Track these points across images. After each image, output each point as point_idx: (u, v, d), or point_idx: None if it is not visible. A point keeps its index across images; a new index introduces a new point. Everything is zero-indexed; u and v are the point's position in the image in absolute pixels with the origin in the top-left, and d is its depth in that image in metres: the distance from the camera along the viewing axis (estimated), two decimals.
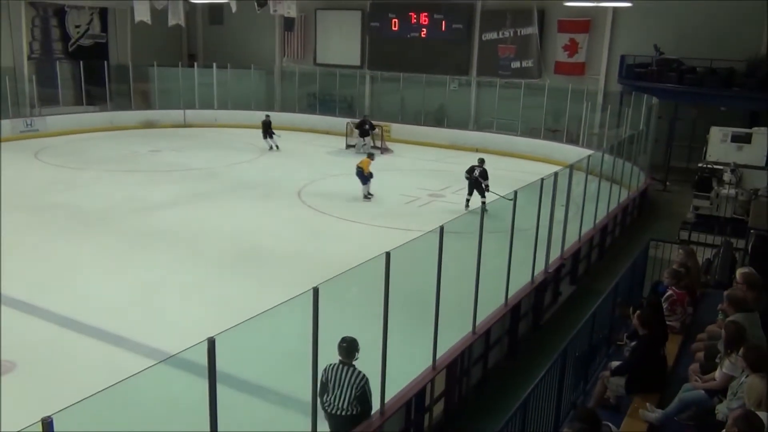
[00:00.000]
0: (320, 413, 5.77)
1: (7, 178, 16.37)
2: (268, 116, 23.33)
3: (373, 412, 6.24)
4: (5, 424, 5.75)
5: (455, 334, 7.92)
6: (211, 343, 4.17)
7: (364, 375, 5.82)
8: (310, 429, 5.54)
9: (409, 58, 26.40)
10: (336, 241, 12.95)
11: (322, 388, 5.80)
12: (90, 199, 15.46)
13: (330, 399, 5.83)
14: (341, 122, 24.83)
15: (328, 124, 26.34)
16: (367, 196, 16.29)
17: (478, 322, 8.08)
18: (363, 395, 5.85)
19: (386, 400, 6.40)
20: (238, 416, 5.86)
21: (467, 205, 15.27)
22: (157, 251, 12.06)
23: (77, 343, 8.40)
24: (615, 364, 6.61)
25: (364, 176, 16.24)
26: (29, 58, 25.96)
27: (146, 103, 28.23)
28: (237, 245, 12.51)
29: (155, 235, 12.95)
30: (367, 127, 22.81)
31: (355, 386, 5.78)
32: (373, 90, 28.35)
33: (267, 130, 22.68)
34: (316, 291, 5.27)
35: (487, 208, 12.16)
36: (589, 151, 16.47)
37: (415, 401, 6.85)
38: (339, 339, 5.97)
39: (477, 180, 15.24)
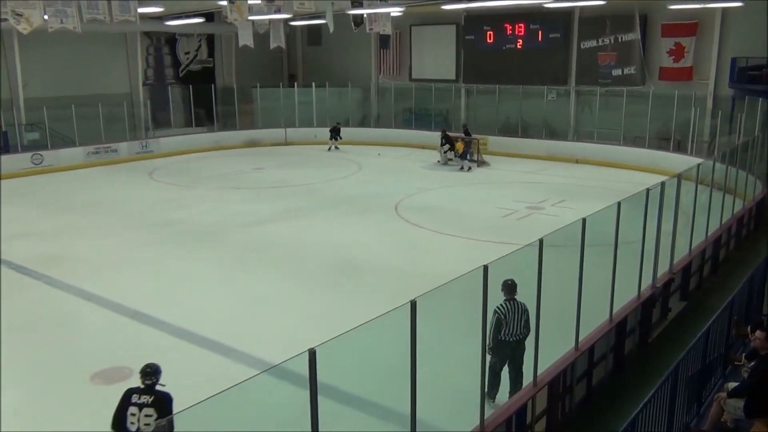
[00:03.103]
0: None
1: (125, 197, 17.56)
2: (338, 123, 26.48)
3: (470, 429, 6.19)
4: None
5: (556, 350, 7.70)
6: (312, 354, 4.26)
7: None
8: None
9: (505, 70, 26.13)
10: (433, 255, 12.95)
11: (498, 325, 6.92)
12: (200, 215, 16.27)
13: (510, 329, 6.98)
14: (437, 136, 24.88)
15: (424, 139, 26.45)
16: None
17: (581, 338, 7.81)
18: (528, 319, 7.08)
19: (486, 417, 6.30)
20: (337, 426, 5.95)
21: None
22: (261, 265, 12.51)
23: (189, 352, 8.83)
24: (732, 385, 6.20)
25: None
26: (144, 84, 27.80)
27: (250, 123, 29.48)
28: (336, 259, 12.76)
29: (259, 250, 13.44)
30: (443, 140, 23.23)
31: (525, 313, 7.07)
32: (468, 103, 28.24)
33: (335, 133, 25.71)
34: (413, 304, 5.28)
35: None
36: (698, 160, 15.62)
37: (516, 419, 6.70)
38: (435, 352, 5.97)
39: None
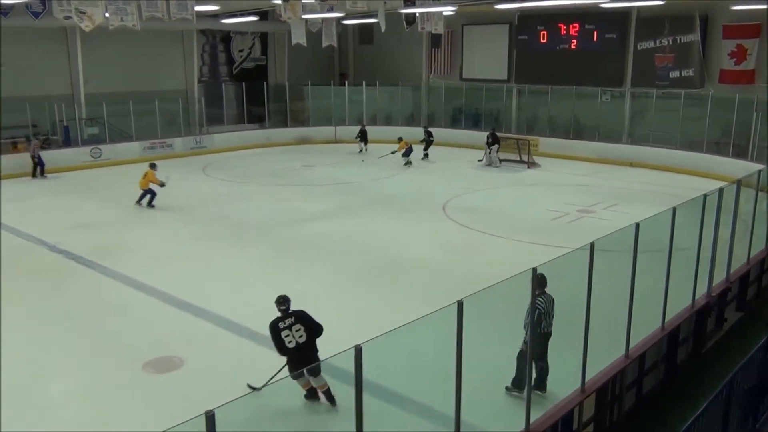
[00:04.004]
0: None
1: (180, 191, 17.98)
2: (364, 125, 26.04)
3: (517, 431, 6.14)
4: (174, 416, 6.25)
5: (605, 357, 7.55)
6: (358, 351, 4.28)
7: None
8: None
9: (558, 71, 25.73)
10: (480, 256, 12.85)
11: (538, 320, 6.83)
12: (250, 211, 16.54)
13: (547, 322, 6.99)
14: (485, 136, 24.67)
15: (474, 139, 26.25)
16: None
17: (631, 346, 7.64)
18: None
19: (531, 421, 6.22)
20: (381, 423, 5.96)
21: None
22: (308, 262, 12.63)
23: (236, 343, 8.98)
24: None
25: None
26: (199, 81, 28.41)
27: (301, 121, 29.82)
28: (382, 257, 12.79)
29: (306, 247, 13.58)
30: (489, 140, 23.02)
31: (553, 303, 7.09)
32: (520, 103, 27.91)
33: (362, 135, 25.33)
34: (460, 305, 5.26)
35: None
36: (758, 166, 15.09)
37: (562, 424, 6.60)
38: (480, 353, 5.93)
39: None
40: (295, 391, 7.19)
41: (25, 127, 22.91)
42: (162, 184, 16.67)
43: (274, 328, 6.94)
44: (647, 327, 8.21)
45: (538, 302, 6.92)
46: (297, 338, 6.91)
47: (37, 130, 23.26)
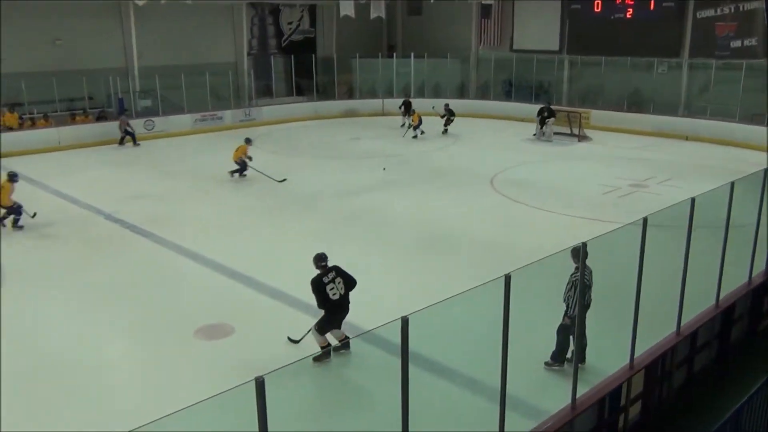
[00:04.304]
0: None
1: (229, 163, 18.24)
2: (408, 96, 25.16)
3: (561, 407, 6.12)
4: (224, 382, 6.44)
5: (655, 333, 7.43)
6: (405, 321, 4.32)
7: None
8: (498, 414, 5.52)
9: (612, 41, 24.95)
10: (527, 230, 12.71)
11: (583, 292, 6.67)
12: (298, 183, 16.69)
13: (589, 294, 6.87)
14: (537, 109, 24.24)
15: (523, 112, 25.80)
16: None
17: (683, 323, 7.49)
18: None
19: (578, 395, 6.19)
20: (426, 394, 6.02)
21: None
22: (355, 234, 12.73)
23: (285, 313, 9.16)
24: None
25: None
26: (248, 54, 28.63)
27: (348, 93, 29.79)
28: (429, 230, 12.79)
29: (353, 219, 13.68)
30: (545, 114, 22.40)
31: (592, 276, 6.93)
32: (571, 75, 27.24)
33: (406, 108, 24.32)
34: (508, 278, 5.23)
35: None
36: None
37: (610, 400, 6.54)
38: (527, 327, 5.91)
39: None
40: (342, 361, 7.30)
41: (81, 99, 23.59)
42: (249, 159, 16.83)
43: (319, 283, 7.40)
44: (700, 304, 8.03)
45: (586, 276, 6.82)
46: (339, 290, 7.45)
47: (93, 103, 23.93)
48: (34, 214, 13.20)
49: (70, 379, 7.50)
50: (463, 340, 7.41)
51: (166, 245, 12.19)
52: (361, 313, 8.63)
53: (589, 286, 6.88)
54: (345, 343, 7.64)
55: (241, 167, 16.93)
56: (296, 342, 7.88)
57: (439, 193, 15.77)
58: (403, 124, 24.61)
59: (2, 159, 19.68)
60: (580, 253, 6.64)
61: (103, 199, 15.08)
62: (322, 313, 7.59)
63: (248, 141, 17.22)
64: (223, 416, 5.70)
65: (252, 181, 17.10)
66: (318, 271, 7.58)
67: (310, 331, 7.62)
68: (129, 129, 22.05)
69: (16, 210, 13.05)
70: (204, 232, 12.94)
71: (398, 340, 4.44)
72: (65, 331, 8.78)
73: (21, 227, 13.10)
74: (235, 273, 10.64)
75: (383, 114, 28.26)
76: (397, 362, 4.54)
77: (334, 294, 7.40)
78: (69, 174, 17.83)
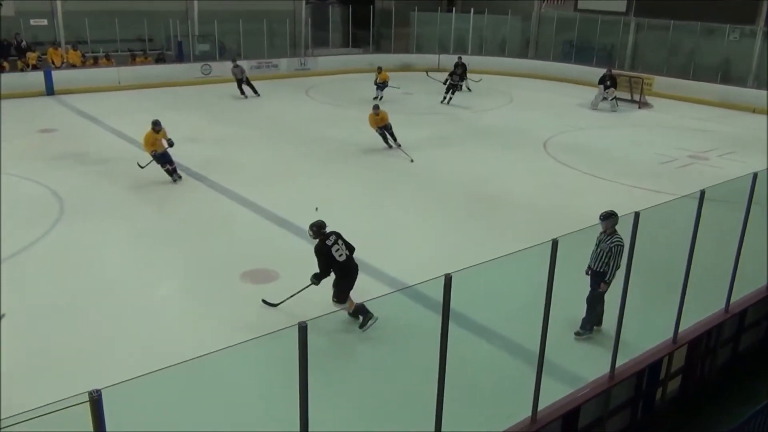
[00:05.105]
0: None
1: (283, 111, 18.41)
2: (461, 57, 23.16)
3: (598, 375, 6.10)
4: (267, 325, 6.63)
5: (703, 309, 7.28)
6: (448, 279, 4.33)
7: None
8: (534, 378, 5.55)
9: (682, 5, 23.81)
10: (578, 196, 12.48)
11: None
12: (349, 135, 16.69)
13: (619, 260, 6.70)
14: (598, 73, 23.49)
15: (584, 74, 25.05)
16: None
17: (732, 301, 7.32)
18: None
19: (617, 365, 6.16)
20: (464, 353, 6.08)
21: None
22: (405, 189, 12.73)
23: None
24: None
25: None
26: (307, 3, 28.43)
27: (405, 47, 29.38)
28: (477, 190, 12.68)
29: (404, 174, 13.66)
30: (608, 82, 21.20)
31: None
32: (637, 39, 26.23)
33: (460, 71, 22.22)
34: (555, 243, 5.18)
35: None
36: None
37: (649, 372, 6.49)
38: (570, 294, 5.85)
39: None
40: (384, 317, 7.37)
41: (142, 41, 23.94)
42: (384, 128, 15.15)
43: (322, 247, 7.25)
44: (752, 283, 7.82)
45: (617, 241, 6.68)
46: (345, 252, 7.29)
47: (153, 45, 24.26)
48: (147, 164, 12.75)
49: (118, 310, 7.81)
50: (505, 302, 7.42)
51: (218, 189, 12.44)
52: (403, 269, 8.72)
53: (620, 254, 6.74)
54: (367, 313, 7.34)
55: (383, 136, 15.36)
56: (274, 305, 7.78)
57: (490, 152, 15.57)
58: (451, 85, 21.69)
59: (64, 95, 20.29)
60: (608, 217, 6.63)
61: None
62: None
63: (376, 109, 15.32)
64: (265, 358, 5.90)
65: (302, 130, 17.20)
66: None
67: (292, 296, 7.54)
68: (241, 78, 21.37)
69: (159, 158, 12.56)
70: (255, 178, 13.13)
71: (440, 296, 4.47)
72: (117, 264, 9.12)
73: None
74: (283, 221, 10.81)
75: (439, 69, 27.82)
76: (437, 319, 4.59)
77: (340, 255, 7.25)
78: (127, 114, 18.24)
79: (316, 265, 7.32)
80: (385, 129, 15.23)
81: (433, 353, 4.72)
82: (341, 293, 7.32)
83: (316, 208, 9.38)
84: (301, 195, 12.22)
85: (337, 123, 18.26)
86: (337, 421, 5.45)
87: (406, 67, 27.89)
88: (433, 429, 4.80)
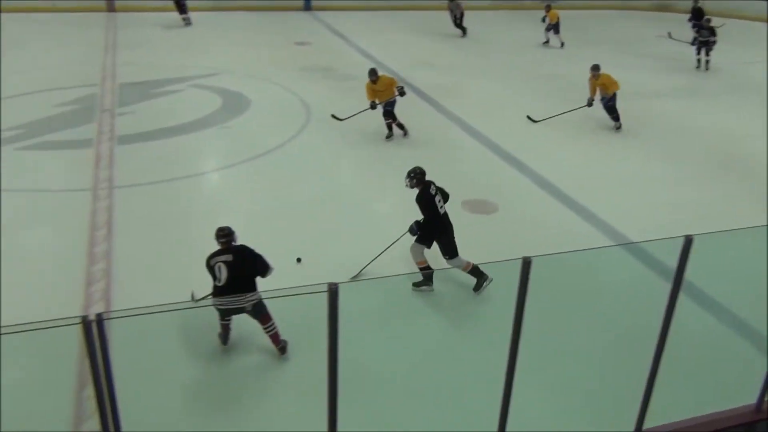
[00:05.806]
0: None
1: (519, 44, 17.88)
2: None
3: None
4: (483, 255, 6.74)
5: None
6: (688, 241, 4.00)
7: None
8: (765, 363, 5.03)
9: None
10: None
11: None
12: (580, 75, 15.58)
13: None
14: None
15: None
16: None
17: None
18: None
19: None
20: (687, 322, 5.66)
21: None
22: (639, 140, 11.88)
23: (546, 201, 9.12)
24: None
25: None
26: None
27: None
28: (725, 149, 11.37)
29: (640, 123, 12.64)
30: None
31: None
32: None
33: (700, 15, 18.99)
34: None
35: None
36: None
37: None
38: None
39: None
40: (596, 268, 7.10)
41: None
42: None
43: (425, 195, 6.59)
44: None
45: None
46: (443, 206, 6.74)
47: None
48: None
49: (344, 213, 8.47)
50: (742, 277, 6.74)
51: (447, 115, 12.65)
52: (634, 223, 8.26)
53: None
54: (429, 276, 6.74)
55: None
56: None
57: (746, 111, 13.81)
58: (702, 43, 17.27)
59: (320, 12, 21.66)
60: None
61: (399, 62, 15.98)
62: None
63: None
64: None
65: (535, 66, 16.68)
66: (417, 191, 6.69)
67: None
68: (456, 13, 20.38)
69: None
70: (484, 108, 13.12)
71: (668, 260, 4.14)
72: (348, 175, 9.81)
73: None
74: (506, 154, 10.76)
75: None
76: (656, 279, 4.30)
77: (441, 207, 6.63)
78: (373, 34, 19.09)
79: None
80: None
81: (650, 317, 4.43)
82: (451, 249, 6.64)
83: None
84: (525, 131, 12.00)
85: (571, 61, 17.21)
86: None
87: (663, 8, 25.42)
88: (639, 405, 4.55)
